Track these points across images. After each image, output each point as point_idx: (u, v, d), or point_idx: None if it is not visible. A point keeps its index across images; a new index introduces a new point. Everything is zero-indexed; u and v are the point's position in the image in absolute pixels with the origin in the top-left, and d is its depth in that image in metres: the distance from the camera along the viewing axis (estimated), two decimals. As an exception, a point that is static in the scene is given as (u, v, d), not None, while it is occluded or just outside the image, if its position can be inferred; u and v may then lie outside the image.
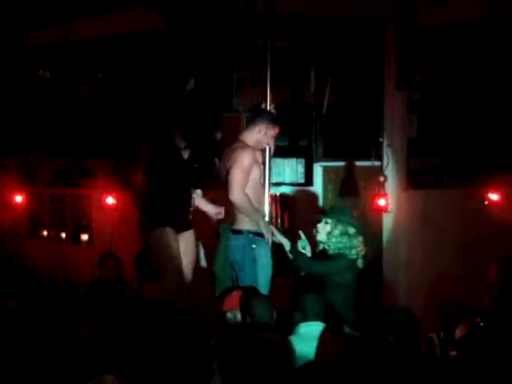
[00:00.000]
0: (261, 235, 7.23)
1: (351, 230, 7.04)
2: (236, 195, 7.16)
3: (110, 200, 10.33)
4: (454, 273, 8.56)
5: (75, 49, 11.20)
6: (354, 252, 7.02)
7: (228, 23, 9.06)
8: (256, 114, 7.65)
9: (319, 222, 7.12)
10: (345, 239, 7.02)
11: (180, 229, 7.33)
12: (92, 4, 9.77)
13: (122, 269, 9.14)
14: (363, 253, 7.09)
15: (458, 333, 6.47)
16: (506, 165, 8.53)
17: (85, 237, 11.62)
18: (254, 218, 7.24)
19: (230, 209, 7.33)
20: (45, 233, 12.26)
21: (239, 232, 7.21)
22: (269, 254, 7.31)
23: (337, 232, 7.04)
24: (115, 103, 10.96)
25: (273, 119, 7.55)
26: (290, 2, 7.88)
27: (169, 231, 7.21)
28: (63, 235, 11.97)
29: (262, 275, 7.19)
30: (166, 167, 7.38)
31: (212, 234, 7.81)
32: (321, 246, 7.12)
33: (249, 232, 7.20)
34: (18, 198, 11.91)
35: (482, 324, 6.72)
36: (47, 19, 10.61)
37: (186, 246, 7.38)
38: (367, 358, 4.51)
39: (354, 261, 7.04)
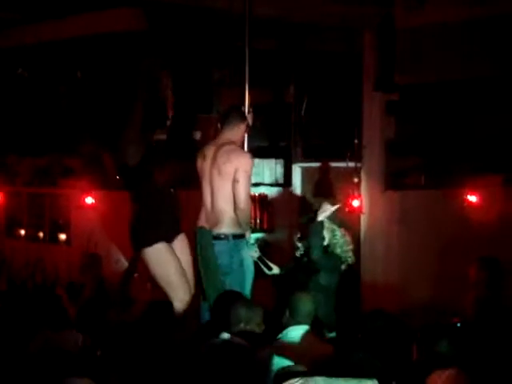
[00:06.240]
0: (243, 237, 7.13)
1: (336, 230, 7.16)
2: (246, 204, 6.97)
3: (89, 199, 10.29)
4: (432, 274, 8.61)
5: (54, 48, 11.15)
6: (339, 250, 7.13)
7: (207, 24, 9.07)
8: (228, 113, 7.30)
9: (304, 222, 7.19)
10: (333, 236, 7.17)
11: (172, 237, 7.24)
12: (74, 3, 9.74)
13: (101, 268, 9.12)
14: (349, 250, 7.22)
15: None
16: (485, 166, 8.59)
17: (63, 236, 11.57)
18: (248, 224, 7.18)
19: (210, 212, 7.08)
20: (22, 232, 12.21)
21: (224, 237, 7.02)
22: (250, 256, 7.28)
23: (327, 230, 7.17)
24: (95, 102, 10.93)
25: (241, 114, 7.29)
26: (267, 5, 7.88)
27: (163, 246, 7.11)
28: (41, 234, 11.92)
29: (248, 277, 7.13)
30: (154, 183, 7.24)
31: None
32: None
33: (234, 236, 7.03)
34: (-4, 197, 11.86)
35: (458, 325, 6.76)
36: (27, 18, 10.56)
37: (180, 249, 7.32)
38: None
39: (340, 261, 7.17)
